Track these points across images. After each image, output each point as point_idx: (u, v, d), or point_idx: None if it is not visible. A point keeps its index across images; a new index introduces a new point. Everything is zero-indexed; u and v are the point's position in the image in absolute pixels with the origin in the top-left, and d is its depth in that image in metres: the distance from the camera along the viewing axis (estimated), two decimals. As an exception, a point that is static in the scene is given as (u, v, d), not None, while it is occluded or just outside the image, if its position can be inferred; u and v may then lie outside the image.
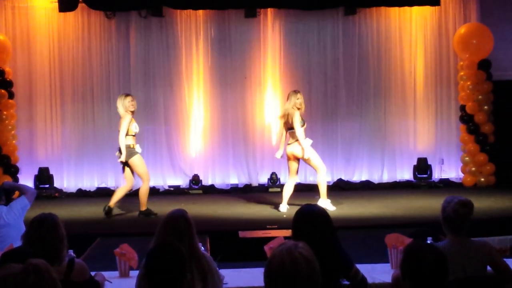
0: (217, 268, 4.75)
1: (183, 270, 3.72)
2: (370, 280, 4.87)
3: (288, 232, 4.32)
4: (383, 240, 5.77)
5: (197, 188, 12.88)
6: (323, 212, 4.35)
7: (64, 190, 12.97)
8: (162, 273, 3.66)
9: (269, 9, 13.21)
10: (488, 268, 4.68)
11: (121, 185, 10.85)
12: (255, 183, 13.26)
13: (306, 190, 12.61)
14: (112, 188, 12.87)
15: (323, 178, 10.23)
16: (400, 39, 13.49)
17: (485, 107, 12.93)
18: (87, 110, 13.16)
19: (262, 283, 2.90)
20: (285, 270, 2.78)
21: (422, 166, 13.17)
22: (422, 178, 13.12)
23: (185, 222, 4.55)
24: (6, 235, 6.71)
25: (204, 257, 4.63)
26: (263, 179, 13.22)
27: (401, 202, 11.28)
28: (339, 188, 12.93)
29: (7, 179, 11.95)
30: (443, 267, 3.45)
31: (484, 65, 12.92)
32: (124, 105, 10.04)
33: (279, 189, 12.59)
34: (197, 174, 13.03)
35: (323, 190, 10.21)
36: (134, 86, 13.11)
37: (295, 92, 10.16)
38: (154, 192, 12.68)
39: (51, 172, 12.81)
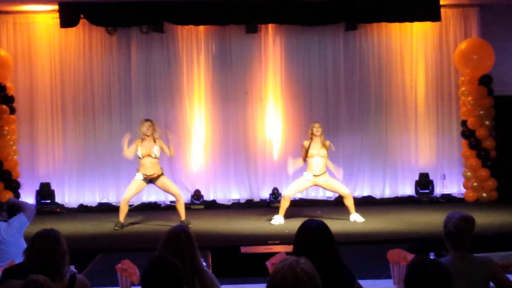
0: (219, 284, 4.74)
1: (179, 284, 3.69)
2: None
3: (290, 248, 4.30)
4: (385, 256, 5.75)
5: (198, 204, 12.86)
6: (324, 227, 4.33)
7: (66, 206, 12.95)
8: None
9: (270, 25, 13.23)
10: (491, 284, 4.66)
11: (121, 200, 10.95)
12: (256, 198, 13.23)
13: (308, 205, 12.64)
14: (113, 204, 12.87)
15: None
16: (401, 54, 13.51)
17: (487, 122, 12.93)
18: (88, 126, 13.16)
19: (264, 299, 2.89)
20: (287, 286, 2.77)
21: (424, 182, 13.16)
22: (424, 193, 13.10)
23: (187, 238, 4.54)
24: (4, 252, 6.70)
25: (206, 272, 4.62)
26: (265, 194, 13.20)
27: (403, 217, 11.26)
28: (340, 204, 12.88)
29: (9, 195, 11.95)
30: (447, 283, 3.43)
31: (485, 81, 12.94)
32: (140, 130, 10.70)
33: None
34: (198, 189, 13.02)
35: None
36: (135, 102, 13.14)
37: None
38: (155, 207, 12.73)
39: (52, 188, 12.80)
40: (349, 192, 11.08)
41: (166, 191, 10.91)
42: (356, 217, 10.86)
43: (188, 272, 4.37)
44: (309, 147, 10.70)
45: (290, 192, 10.92)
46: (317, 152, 10.68)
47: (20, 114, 12.92)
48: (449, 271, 3.47)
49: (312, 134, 10.76)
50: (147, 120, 10.81)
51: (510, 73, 13.23)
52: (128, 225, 10.70)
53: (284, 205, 10.84)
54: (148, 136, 10.56)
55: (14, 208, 7.29)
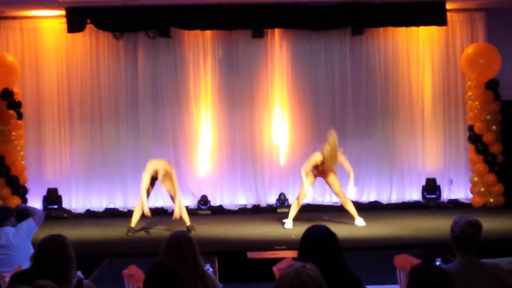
0: (221, 287, 4.76)
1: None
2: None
3: (296, 253, 4.29)
4: (391, 261, 5.75)
5: (205, 209, 12.86)
6: (330, 233, 4.33)
7: (73, 211, 12.96)
8: None
9: (276, 30, 13.24)
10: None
11: (133, 205, 10.98)
12: (263, 204, 13.22)
13: (314, 210, 12.61)
14: (120, 209, 12.88)
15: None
16: (408, 59, 13.49)
17: (494, 127, 12.90)
18: (95, 131, 13.18)
19: (270, 305, 2.89)
20: (293, 292, 2.78)
21: (431, 187, 13.13)
22: (431, 198, 13.07)
23: (188, 242, 4.57)
24: (13, 257, 6.71)
25: (208, 276, 4.65)
26: (272, 199, 13.19)
27: (410, 222, 11.25)
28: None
29: (16, 200, 11.99)
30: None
31: (492, 85, 12.91)
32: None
33: (287, 210, 12.59)
34: (205, 195, 13.02)
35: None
36: (142, 107, 13.16)
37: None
38: (162, 212, 12.70)
39: (59, 193, 12.82)
40: (346, 200, 11.00)
41: (167, 190, 10.61)
42: (358, 222, 10.87)
43: (190, 276, 4.39)
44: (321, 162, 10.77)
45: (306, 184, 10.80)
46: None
47: (27, 119, 12.95)
48: (450, 277, 3.45)
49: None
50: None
51: (516, 77, 13.21)
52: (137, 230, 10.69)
53: (298, 204, 10.96)
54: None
55: (23, 214, 7.31)
